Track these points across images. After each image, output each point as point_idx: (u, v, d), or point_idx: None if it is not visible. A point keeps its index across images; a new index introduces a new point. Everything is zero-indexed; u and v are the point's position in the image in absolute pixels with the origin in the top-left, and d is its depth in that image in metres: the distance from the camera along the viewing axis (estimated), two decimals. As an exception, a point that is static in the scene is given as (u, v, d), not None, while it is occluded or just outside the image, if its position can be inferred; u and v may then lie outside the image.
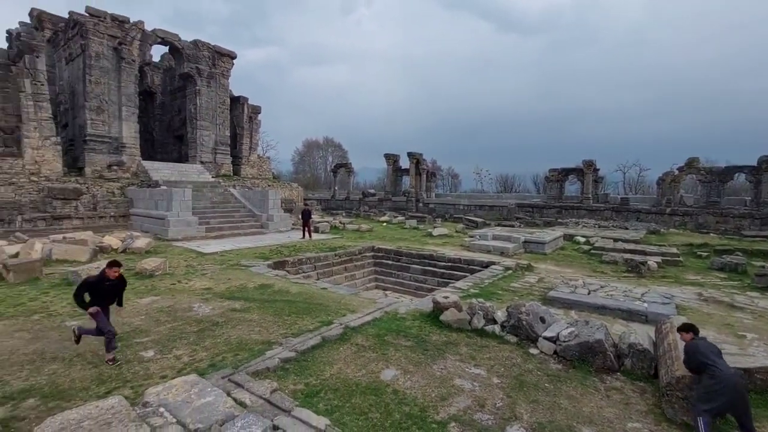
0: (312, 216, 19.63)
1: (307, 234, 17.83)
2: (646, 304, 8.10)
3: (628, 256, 13.67)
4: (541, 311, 6.21)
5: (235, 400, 3.74)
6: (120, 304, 5.56)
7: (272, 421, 3.40)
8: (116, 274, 5.19)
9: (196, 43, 25.57)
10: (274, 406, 3.84)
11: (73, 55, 22.09)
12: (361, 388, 4.51)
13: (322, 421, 3.60)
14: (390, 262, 15.35)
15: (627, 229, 23.27)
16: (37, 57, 18.64)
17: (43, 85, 18.94)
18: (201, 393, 3.60)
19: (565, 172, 32.26)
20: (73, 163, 21.50)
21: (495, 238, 16.35)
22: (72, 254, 11.43)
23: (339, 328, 6.26)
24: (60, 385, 4.51)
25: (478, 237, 16.67)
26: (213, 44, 26.43)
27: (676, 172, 27.92)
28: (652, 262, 12.77)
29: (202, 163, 25.94)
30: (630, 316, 7.67)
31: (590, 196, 30.05)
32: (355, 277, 14.47)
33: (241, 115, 29.14)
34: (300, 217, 19.48)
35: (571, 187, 39.58)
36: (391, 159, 39.46)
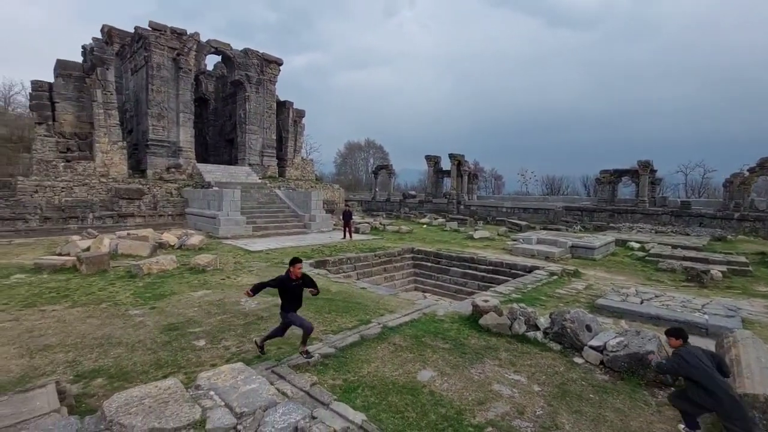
0: (353, 217, 19.98)
1: (347, 234, 18.16)
2: (706, 316, 7.49)
3: (688, 264, 12.68)
4: (587, 319, 5.94)
5: (277, 389, 3.93)
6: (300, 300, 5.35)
7: (311, 412, 3.54)
8: (300, 271, 5.16)
9: (246, 52, 26.90)
10: (313, 398, 3.99)
11: (137, 66, 24.05)
12: (398, 387, 4.56)
13: (358, 416, 3.69)
14: (429, 264, 15.27)
15: (688, 235, 21.58)
16: (107, 69, 20.48)
17: (112, 94, 20.78)
18: (246, 380, 3.82)
19: (618, 174, 30.44)
20: (137, 166, 23.39)
21: (540, 242, 15.79)
22: (135, 249, 12.44)
23: (377, 328, 6.35)
24: (124, 367, 4.96)
25: (521, 240, 16.17)
26: (261, 52, 27.65)
27: (747, 174, 25.45)
28: (716, 271, 11.75)
29: (250, 165, 27.22)
30: (688, 328, 7.06)
31: (646, 199, 28.15)
32: (394, 278, 14.54)
33: (286, 119, 30.23)
34: (341, 217, 19.88)
35: (625, 189, 37.20)
36: (432, 160, 39.21)
